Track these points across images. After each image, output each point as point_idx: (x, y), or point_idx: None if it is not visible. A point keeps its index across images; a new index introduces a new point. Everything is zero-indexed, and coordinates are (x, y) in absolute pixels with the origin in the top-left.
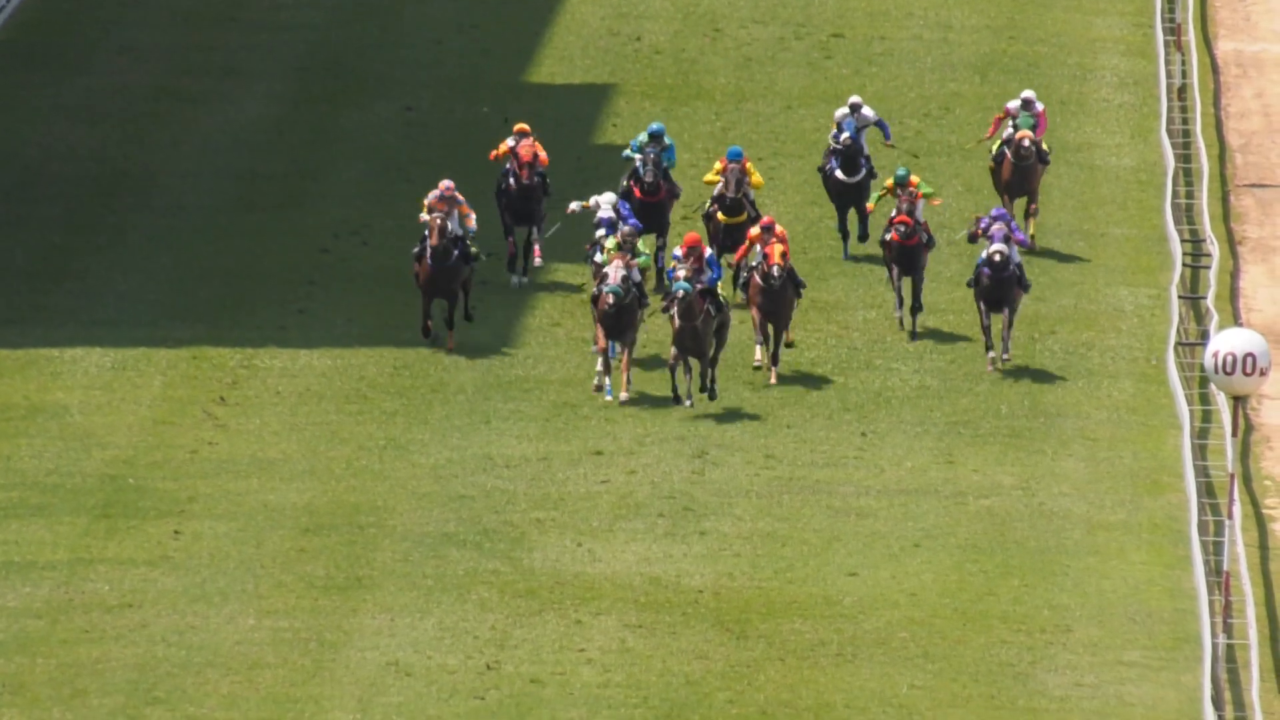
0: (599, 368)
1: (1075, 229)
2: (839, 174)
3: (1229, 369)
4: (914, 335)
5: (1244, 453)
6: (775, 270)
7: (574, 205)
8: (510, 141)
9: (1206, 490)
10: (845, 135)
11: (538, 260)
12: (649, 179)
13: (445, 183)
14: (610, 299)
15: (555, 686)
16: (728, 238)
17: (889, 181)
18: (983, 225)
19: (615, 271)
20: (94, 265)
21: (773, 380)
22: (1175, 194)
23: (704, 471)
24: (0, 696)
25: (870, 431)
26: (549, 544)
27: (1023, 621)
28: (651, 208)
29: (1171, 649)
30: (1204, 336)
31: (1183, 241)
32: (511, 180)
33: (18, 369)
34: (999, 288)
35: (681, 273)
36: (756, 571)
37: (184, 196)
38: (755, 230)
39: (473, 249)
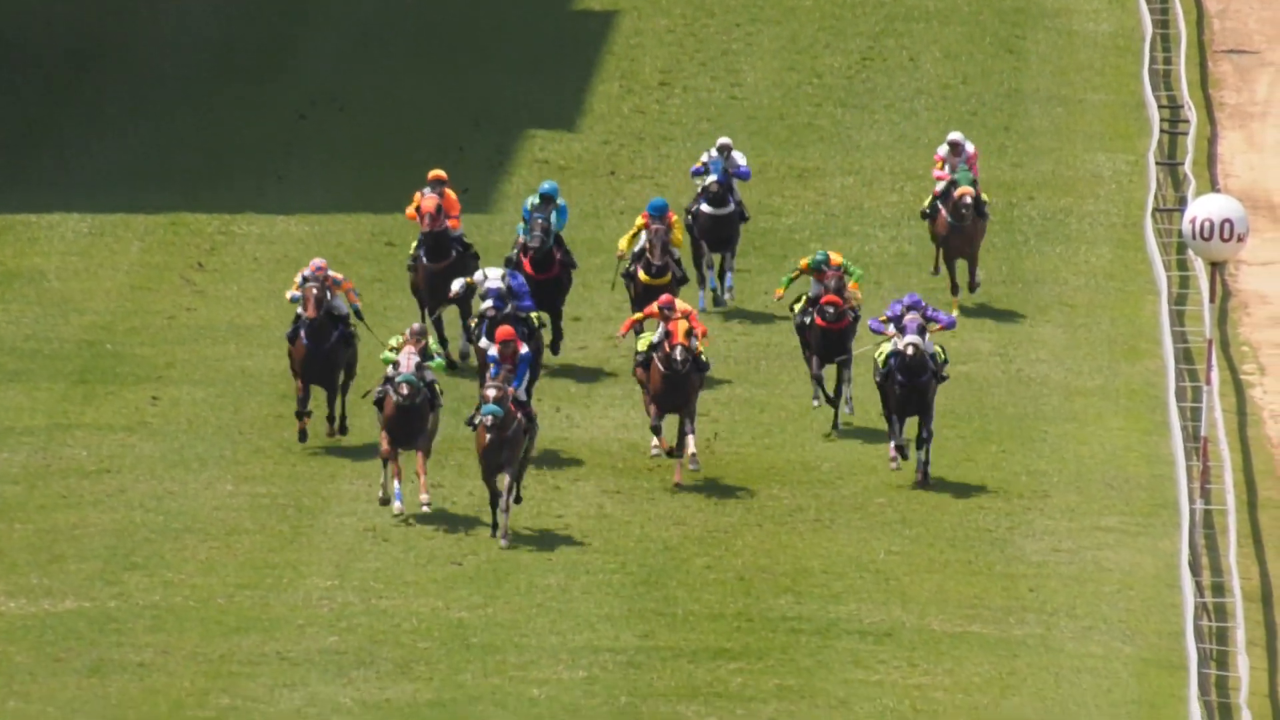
0: (383, 479)
1: (1053, 94)
2: (705, 207)
3: (1207, 235)
4: (836, 426)
5: (1222, 319)
6: (679, 352)
7: (457, 284)
8: (424, 191)
9: (1184, 356)
10: (713, 179)
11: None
12: (535, 244)
13: (315, 262)
14: (405, 388)
15: (533, 552)
16: (650, 302)
17: (804, 261)
18: (892, 314)
19: (407, 359)
20: (72, 133)
21: (691, 465)
22: (1153, 59)
23: None
24: None
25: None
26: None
27: (1000, 487)
28: (544, 285)
29: (1149, 515)
30: (1182, 202)
31: (1160, 107)
32: (423, 254)
33: None
34: (913, 397)
35: (491, 392)
36: (734, 438)
37: (162, 66)
38: (654, 307)
39: (355, 330)
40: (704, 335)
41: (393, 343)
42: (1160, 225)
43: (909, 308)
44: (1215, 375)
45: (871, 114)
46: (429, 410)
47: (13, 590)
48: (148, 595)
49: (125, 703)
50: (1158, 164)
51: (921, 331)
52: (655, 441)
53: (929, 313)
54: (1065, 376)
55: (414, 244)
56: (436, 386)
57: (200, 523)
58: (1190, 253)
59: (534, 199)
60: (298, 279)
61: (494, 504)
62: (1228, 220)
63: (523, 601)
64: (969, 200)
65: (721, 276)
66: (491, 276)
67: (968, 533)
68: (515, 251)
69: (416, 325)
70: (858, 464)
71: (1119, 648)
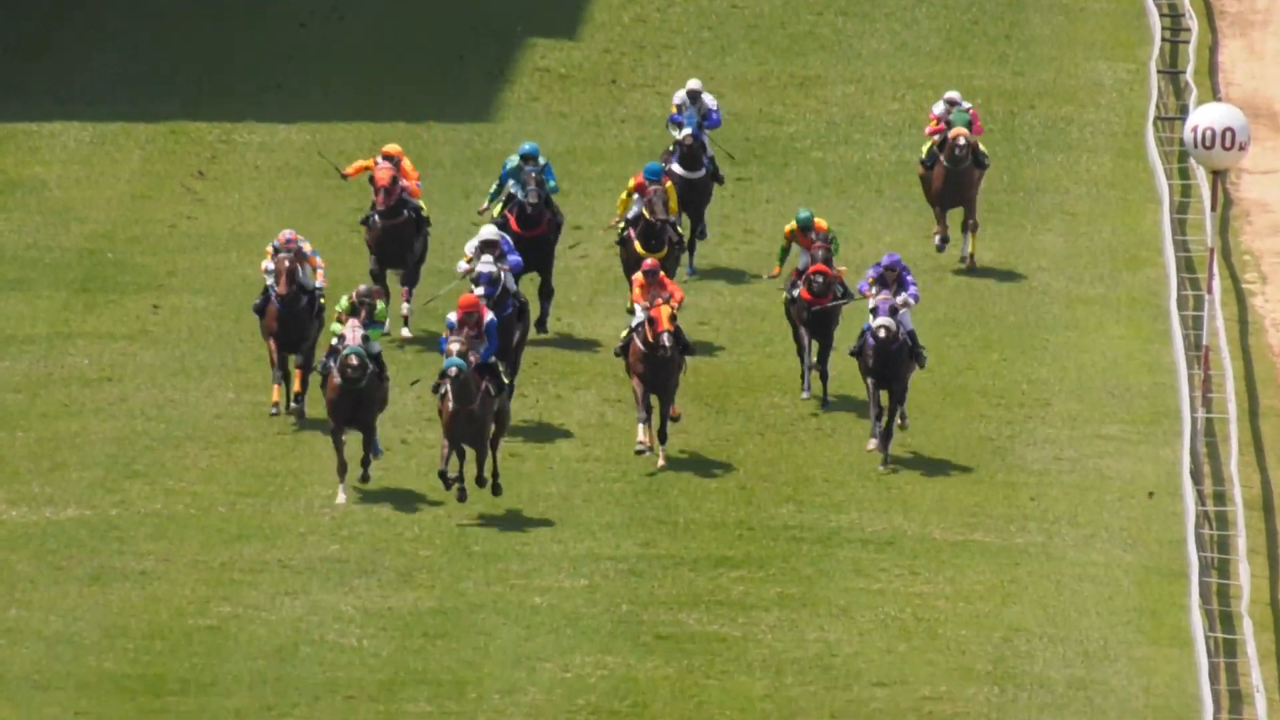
0: (340, 477)
1: (1054, 3)
2: (677, 168)
3: (1208, 143)
4: (825, 403)
5: (1223, 227)
6: (665, 338)
7: (462, 265)
8: (377, 160)
9: (1186, 265)
10: (687, 132)
11: (406, 308)
12: (532, 199)
13: (285, 233)
14: (353, 359)
15: (535, 461)
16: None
17: (788, 227)
18: (874, 275)
19: (353, 332)
20: (72, 43)
21: (661, 463)
22: None
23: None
24: None
25: (852, 207)
26: (527, 318)
27: (1001, 396)
28: (531, 243)
29: (1150, 423)
30: (1183, 111)
31: (1161, 16)
32: (376, 213)
33: None
34: (886, 365)
35: (454, 346)
36: (735, 346)
37: None
38: (640, 276)
39: (324, 300)
40: (680, 302)
41: (340, 306)
42: (1161, 134)
43: (887, 268)
44: (1217, 284)
45: (872, 22)
46: (377, 384)
47: (14, 498)
48: (149, 503)
49: (127, 610)
50: (1159, 72)
51: (893, 312)
52: (640, 430)
53: (905, 277)
54: (1066, 285)
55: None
56: (382, 358)
57: (201, 431)
58: (1192, 161)
59: (513, 159)
60: (270, 248)
61: (445, 483)
62: (1229, 129)
63: (524, 510)
64: (963, 141)
65: (690, 246)
66: (485, 233)
67: (969, 441)
68: (502, 209)
69: (363, 287)
70: (859, 372)
71: (1120, 556)
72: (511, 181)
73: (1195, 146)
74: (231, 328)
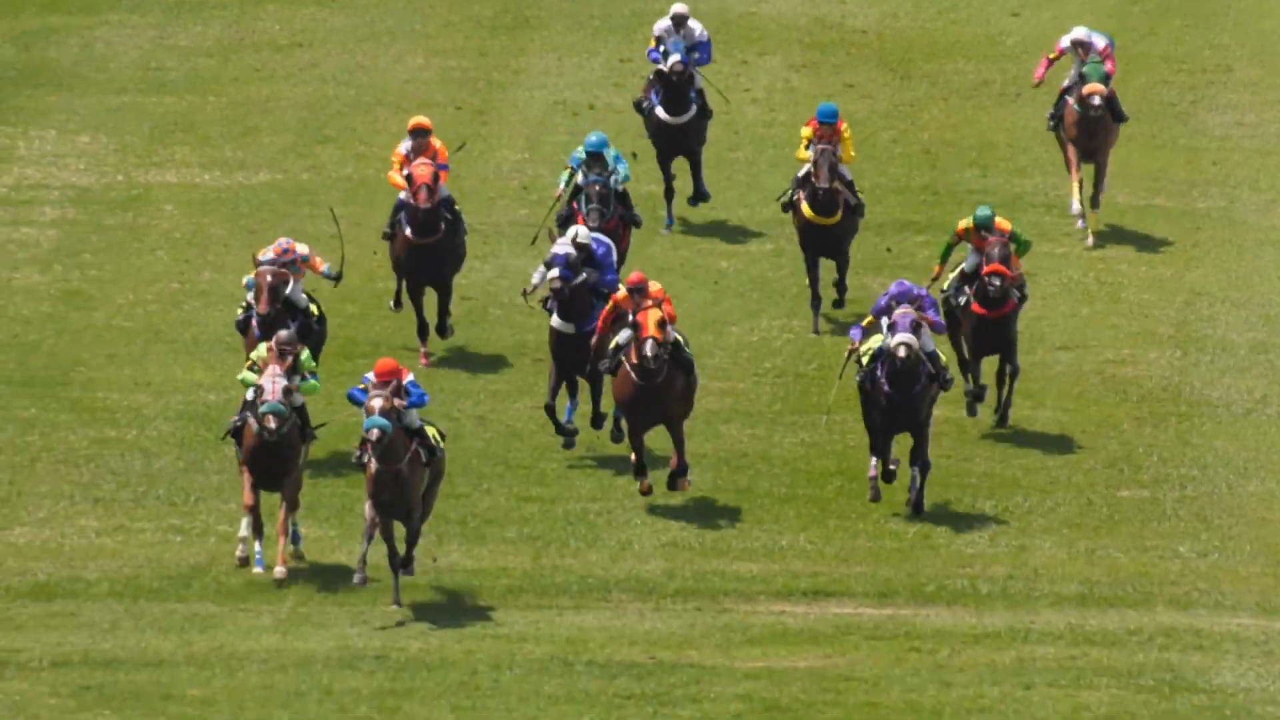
0: (243, 532)
1: None
2: (661, 112)
3: None
4: (1002, 419)
5: None
6: (649, 347)
7: (535, 279)
8: (404, 147)
9: None
10: (675, 59)
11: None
12: (594, 223)
13: (281, 241)
14: (272, 421)
15: (721, 127)
16: (815, 244)
17: (964, 223)
18: (879, 306)
19: (273, 383)
20: None
21: (684, 485)
22: None
23: None
24: (173, 135)
25: None
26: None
27: (1183, 61)
28: None
29: None
30: None
31: None
32: (406, 225)
33: None
34: (901, 411)
35: (376, 402)
36: (920, 12)
37: None
38: (621, 292)
39: (315, 312)
40: (673, 319)
41: (255, 355)
42: None
43: (895, 299)
44: None
45: None
46: (299, 443)
47: (207, 162)
48: (340, 168)
49: None
50: None
51: (916, 329)
52: (638, 484)
53: (925, 300)
54: None
55: (394, 207)
56: (306, 411)
57: (391, 96)
58: None
59: (580, 152)
60: (262, 256)
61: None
62: None
63: (710, 175)
64: (1098, 100)
65: (696, 187)
66: (581, 234)
67: (1152, 107)
68: (568, 204)
69: (284, 334)
70: (1041, 39)
71: None
72: (580, 180)
73: None
74: None
